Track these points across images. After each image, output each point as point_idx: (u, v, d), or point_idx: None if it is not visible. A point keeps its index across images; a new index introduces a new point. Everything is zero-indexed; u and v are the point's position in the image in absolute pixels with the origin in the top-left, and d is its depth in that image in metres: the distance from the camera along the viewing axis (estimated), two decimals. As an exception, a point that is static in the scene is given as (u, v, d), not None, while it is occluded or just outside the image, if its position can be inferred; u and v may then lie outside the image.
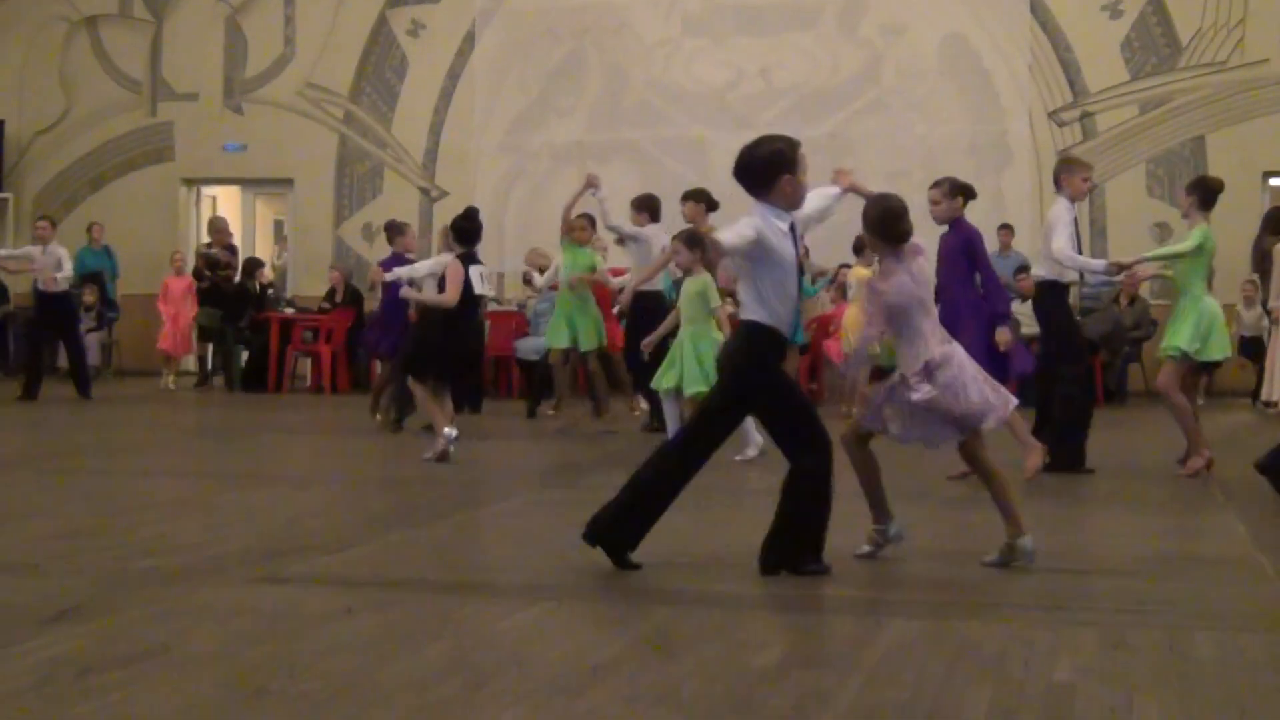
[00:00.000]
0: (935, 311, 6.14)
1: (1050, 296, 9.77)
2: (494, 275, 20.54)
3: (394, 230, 13.87)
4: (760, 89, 20.55)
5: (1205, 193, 9.86)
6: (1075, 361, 9.85)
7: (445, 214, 21.22)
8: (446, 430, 9.74)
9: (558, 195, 20.94)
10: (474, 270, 9.89)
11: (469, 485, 8.88)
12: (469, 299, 10.04)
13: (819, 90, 20.31)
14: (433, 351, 9.93)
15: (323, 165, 21.87)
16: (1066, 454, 9.61)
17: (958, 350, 5.99)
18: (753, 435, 10.03)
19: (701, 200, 11.97)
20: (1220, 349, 9.62)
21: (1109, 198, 18.95)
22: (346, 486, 9.06)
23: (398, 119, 21.70)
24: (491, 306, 18.90)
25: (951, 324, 7.56)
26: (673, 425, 10.15)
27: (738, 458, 9.95)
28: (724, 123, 20.54)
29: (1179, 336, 9.55)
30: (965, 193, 9.00)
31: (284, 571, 5.81)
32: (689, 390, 10.07)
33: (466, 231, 10.11)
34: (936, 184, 9.06)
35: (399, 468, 9.66)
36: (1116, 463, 10.14)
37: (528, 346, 17.63)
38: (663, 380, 10.32)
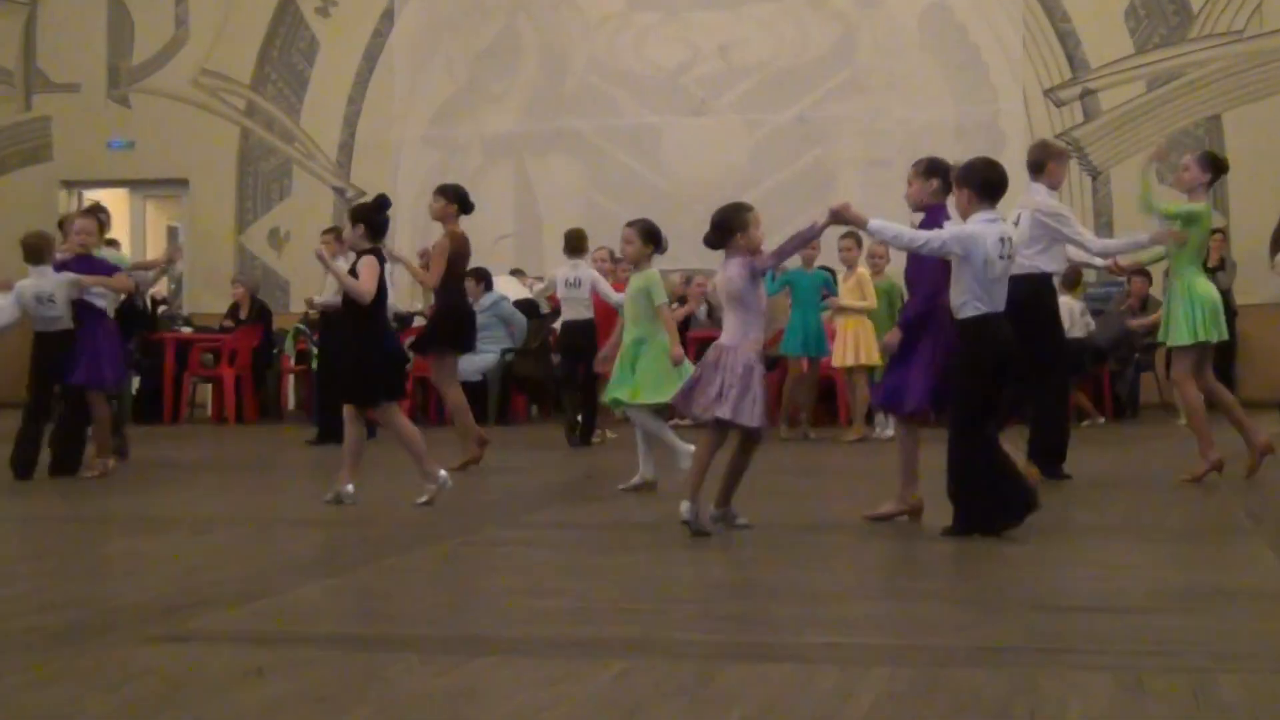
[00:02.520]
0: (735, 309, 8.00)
1: (1045, 290, 10.31)
2: (419, 286, 20.60)
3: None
4: (719, 69, 20.64)
5: (1215, 169, 10.42)
6: (1057, 369, 10.42)
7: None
8: (348, 488, 9.58)
9: (491, 194, 20.97)
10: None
11: (397, 526, 8.84)
12: (382, 300, 9.79)
13: (786, 70, 20.40)
14: (376, 369, 9.66)
15: (222, 163, 21.81)
16: (1050, 462, 10.23)
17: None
18: (644, 463, 10.08)
19: (443, 195, 12.01)
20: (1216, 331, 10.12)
21: (1115, 186, 19.10)
22: (255, 529, 9.01)
23: (307, 109, 21.67)
24: (419, 322, 18.88)
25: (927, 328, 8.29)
26: (645, 442, 10.09)
27: (621, 486, 10.11)
28: (678, 108, 20.61)
29: (1181, 328, 10.13)
30: (943, 176, 8.84)
31: (185, 628, 5.77)
32: (649, 399, 10.01)
33: (379, 225, 9.90)
34: (915, 163, 9.02)
35: (314, 508, 9.61)
36: (1129, 484, 10.20)
37: (466, 366, 17.60)
38: (610, 392, 10.28)
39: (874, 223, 7.72)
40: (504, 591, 6.59)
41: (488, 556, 7.87)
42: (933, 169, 8.73)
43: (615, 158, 20.62)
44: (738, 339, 7.95)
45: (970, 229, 7.73)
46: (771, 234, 15.22)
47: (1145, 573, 7.02)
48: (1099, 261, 11.51)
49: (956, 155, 19.02)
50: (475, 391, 17.58)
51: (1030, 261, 10.10)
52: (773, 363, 15.97)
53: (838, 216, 7.81)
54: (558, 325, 15.69)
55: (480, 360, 17.45)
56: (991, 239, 7.67)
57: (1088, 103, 19.54)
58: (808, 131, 20.11)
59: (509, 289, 18.25)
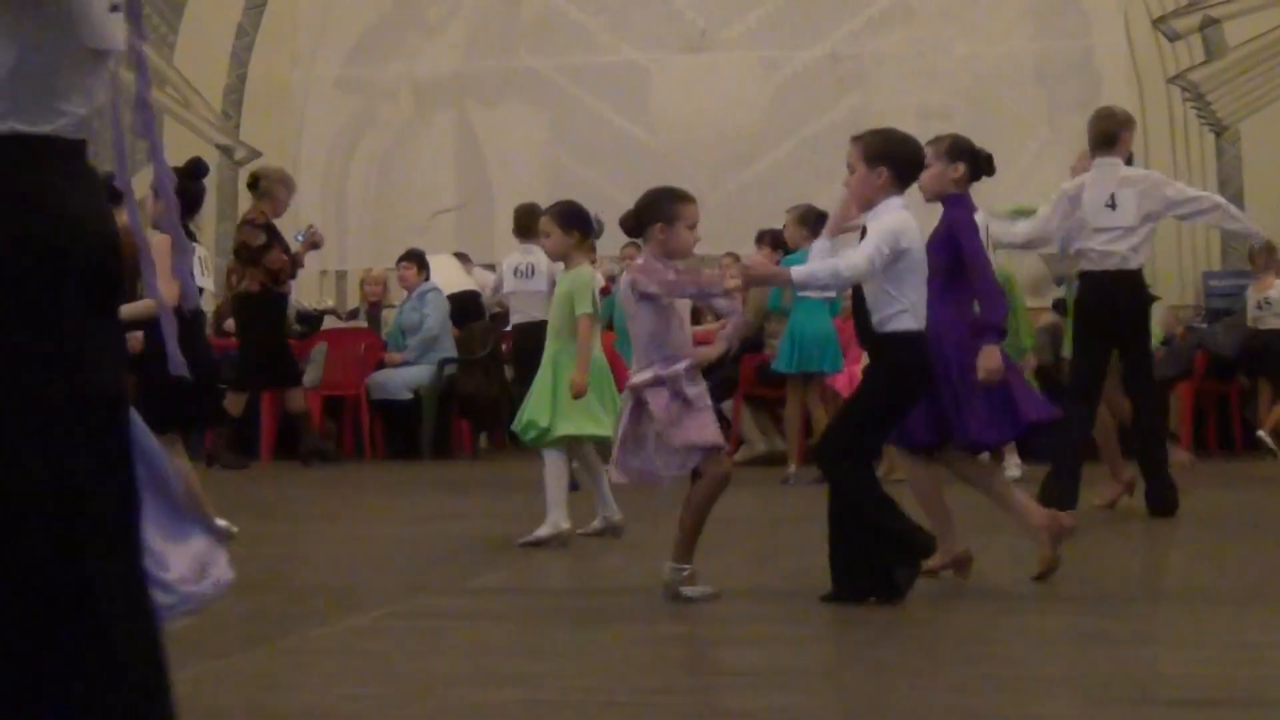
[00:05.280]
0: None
1: (1144, 290, 11.52)
2: (331, 275, 20.61)
3: None
4: (726, -9, 20.63)
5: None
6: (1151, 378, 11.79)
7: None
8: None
9: (426, 153, 20.94)
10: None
11: (303, 592, 8.84)
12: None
13: (813, -8, 20.39)
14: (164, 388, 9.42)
15: (71, 114, 21.78)
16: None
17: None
18: (551, 510, 10.22)
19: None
20: None
21: (1245, 146, 19.06)
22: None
23: (184, 44, 21.65)
24: (330, 323, 18.85)
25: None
26: (555, 485, 10.16)
27: (581, 531, 10.34)
28: (672, 42, 20.58)
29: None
30: (973, 161, 9.13)
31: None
32: (565, 431, 10.12)
33: (190, 196, 9.57)
34: (934, 140, 9.23)
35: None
36: (1264, 537, 10.22)
37: (393, 382, 17.57)
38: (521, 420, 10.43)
39: (798, 272, 8.02)
40: (441, 679, 6.58)
41: (420, 633, 7.86)
42: (958, 151, 9.03)
43: (588, 107, 20.58)
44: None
45: (900, 222, 7.87)
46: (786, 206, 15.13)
47: (1286, 654, 7.03)
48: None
49: (1038, 105, 19.24)
50: (407, 414, 17.57)
51: (1126, 252, 11.30)
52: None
53: (749, 280, 8.22)
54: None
55: (412, 374, 17.43)
56: (915, 227, 7.95)
57: (1210, 36, 19.51)
58: (843, 73, 20.10)
59: (448, 274, 18.20)
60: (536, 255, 13.71)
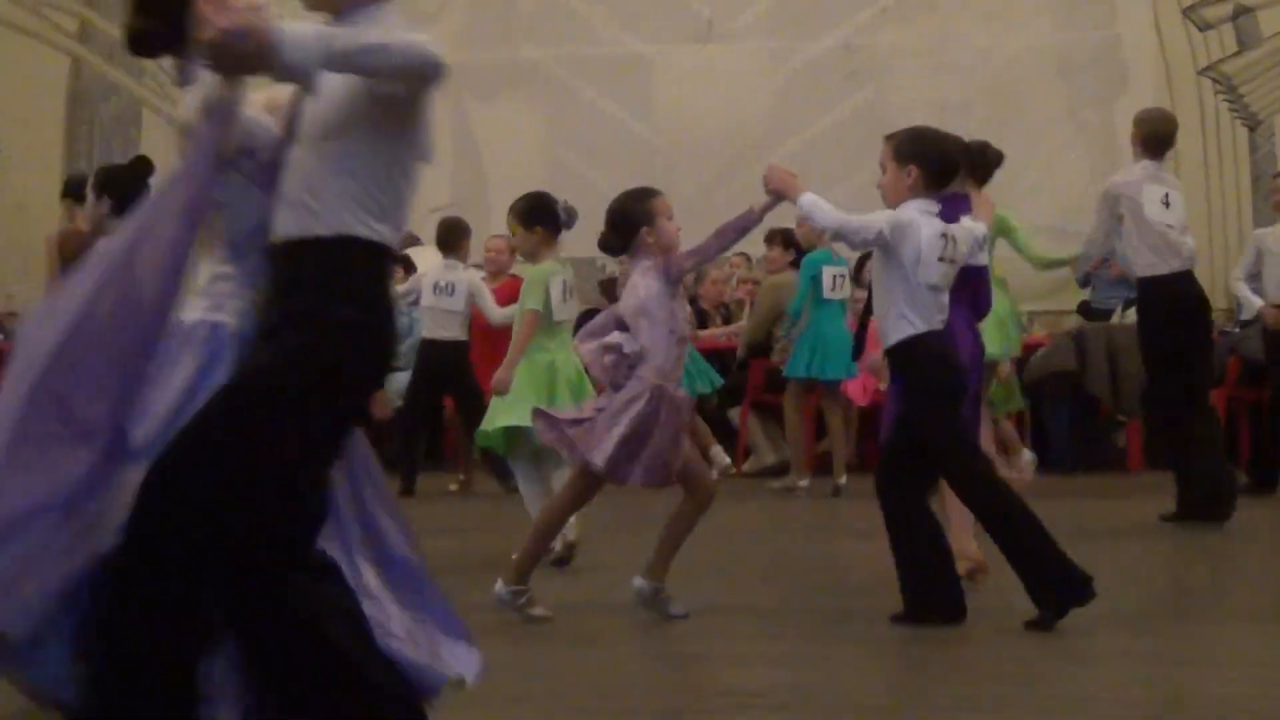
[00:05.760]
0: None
1: (1200, 289, 11.90)
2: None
3: None
4: (733, -20, 20.62)
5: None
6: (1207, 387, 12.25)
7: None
8: None
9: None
10: None
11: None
12: None
13: (825, -20, 20.38)
14: None
15: (46, 107, 21.75)
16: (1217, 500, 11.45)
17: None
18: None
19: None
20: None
21: (1280, 140, 19.03)
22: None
23: (164, 33, 21.58)
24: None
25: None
26: (531, 493, 10.15)
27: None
28: (676, 33, 20.55)
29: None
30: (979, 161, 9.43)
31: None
32: (503, 421, 10.09)
33: (124, 196, 9.51)
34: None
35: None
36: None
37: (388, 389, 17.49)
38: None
39: (806, 198, 7.92)
40: (440, 699, 6.55)
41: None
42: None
43: (589, 100, 20.54)
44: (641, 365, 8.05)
45: (906, 215, 7.93)
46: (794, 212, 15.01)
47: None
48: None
49: (1061, 97, 19.11)
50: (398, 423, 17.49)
51: (1190, 252, 11.72)
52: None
53: (778, 191, 8.04)
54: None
55: (402, 380, 17.35)
56: (928, 231, 7.93)
57: (1243, 26, 19.46)
58: (855, 65, 20.07)
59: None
60: (458, 273, 13.87)
